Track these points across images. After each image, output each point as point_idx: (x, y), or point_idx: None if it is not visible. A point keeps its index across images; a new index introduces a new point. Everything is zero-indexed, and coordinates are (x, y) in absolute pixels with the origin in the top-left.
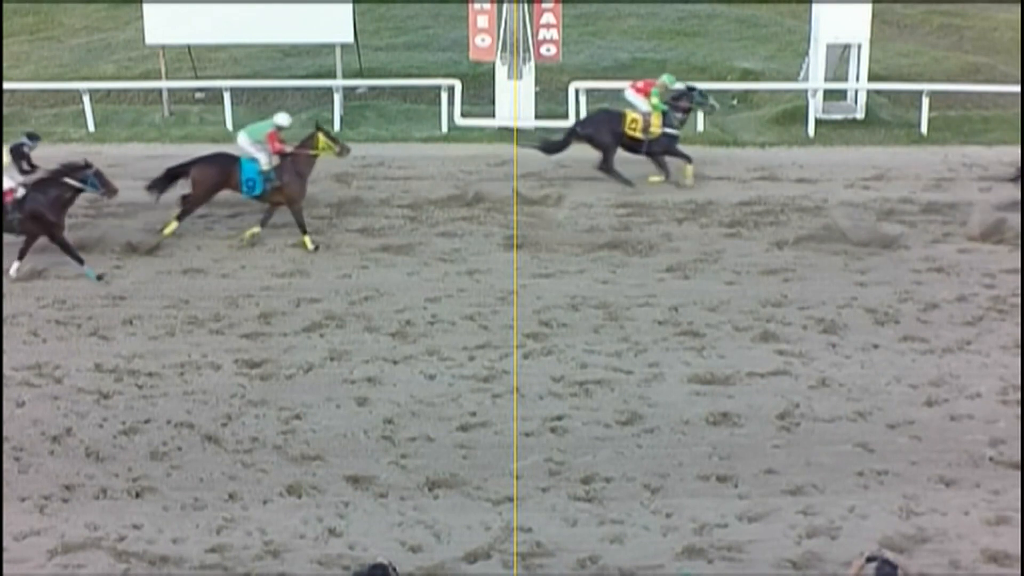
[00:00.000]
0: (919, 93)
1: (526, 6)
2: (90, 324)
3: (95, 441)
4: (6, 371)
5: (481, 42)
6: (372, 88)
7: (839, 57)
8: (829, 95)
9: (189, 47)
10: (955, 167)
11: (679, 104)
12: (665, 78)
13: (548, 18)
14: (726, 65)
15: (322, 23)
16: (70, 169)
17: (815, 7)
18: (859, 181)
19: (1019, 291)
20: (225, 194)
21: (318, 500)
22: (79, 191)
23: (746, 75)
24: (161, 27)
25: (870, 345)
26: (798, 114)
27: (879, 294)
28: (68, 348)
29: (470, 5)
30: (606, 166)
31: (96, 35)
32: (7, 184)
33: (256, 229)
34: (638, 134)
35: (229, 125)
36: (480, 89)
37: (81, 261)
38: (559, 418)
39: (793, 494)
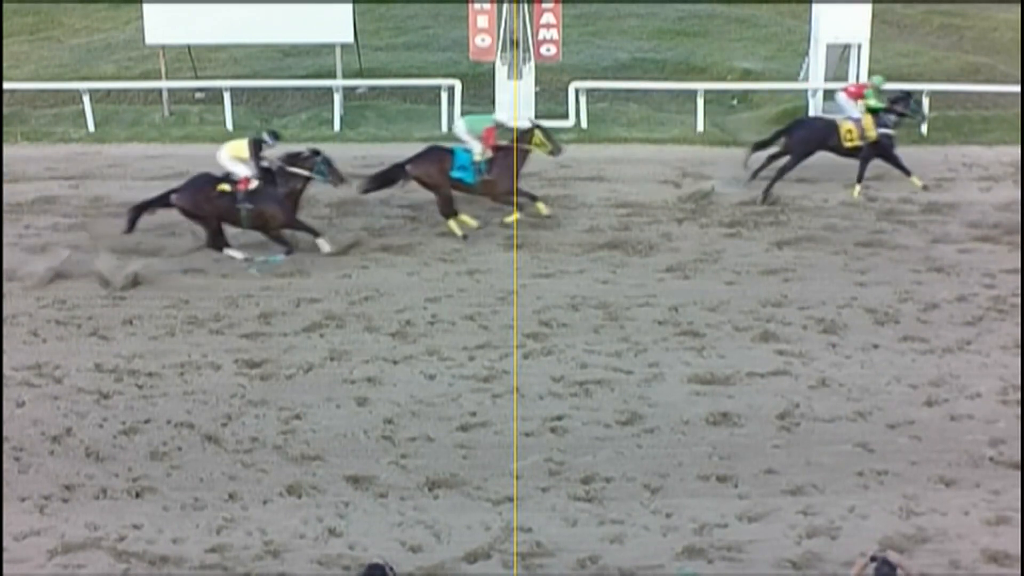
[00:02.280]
0: (919, 93)
1: (526, 6)
2: (90, 324)
3: (95, 441)
4: (6, 371)
5: (481, 42)
6: (372, 88)
7: (839, 57)
8: (829, 95)
9: (189, 47)
10: (955, 167)
11: (894, 108)
12: (876, 79)
13: (548, 18)
14: (726, 65)
15: (322, 23)
16: (299, 158)
17: (815, 7)
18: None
19: (1019, 291)
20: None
21: (318, 500)
22: (309, 180)
23: (746, 75)
24: (161, 27)
25: (870, 345)
26: (798, 114)
27: (879, 294)
28: (68, 348)
29: (470, 5)
30: (785, 169)
31: (96, 35)
32: (243, 172)
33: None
34: (856, 142)
35: (229, 125)
36: (480, 89)
37: (316, 233)
38: (559, 418)
39: (793, 494)
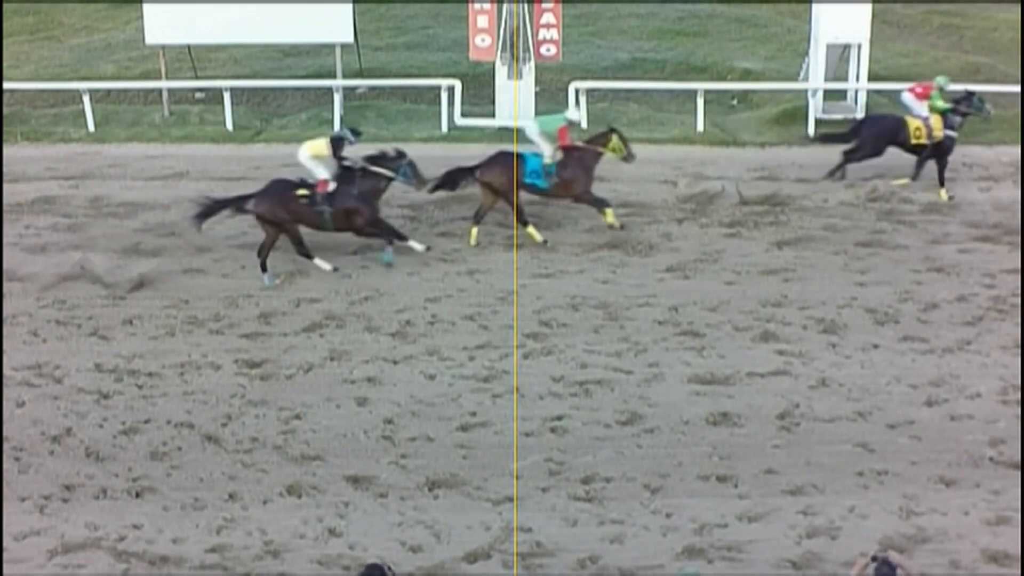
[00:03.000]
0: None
1: (526, 6)
2: (90, 324)
3: (95, 441)
4: (6, 371)
5: (481, 42)
6: (372, 88)
7: (839, 57)
8: (829, 95)
9: (189, 47)
10: (955, 167)
11: (959, 108)
12: (940, 79)
13: (548, 18)
14: (726, 65)
15: (322, 23)
16: (383, 159)
17: (815, 7)
18: (859, 181)
19: (1019, 291)
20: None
21: (318, 500)
22: (391, 180)
23: (746, 75)
24: (161, 27)
25: (870, 345)
26: (798, 114)
27: (879, 294)
28: (68, 348)
29: (470, 5)
30: (853, 159)
31: (96, 35)
32: (321, 175)
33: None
34: (923, 140)
35: (229, 125)
36: (480, 89)
37: (403, 237)
38: (559, 418)
39: (793, 494)
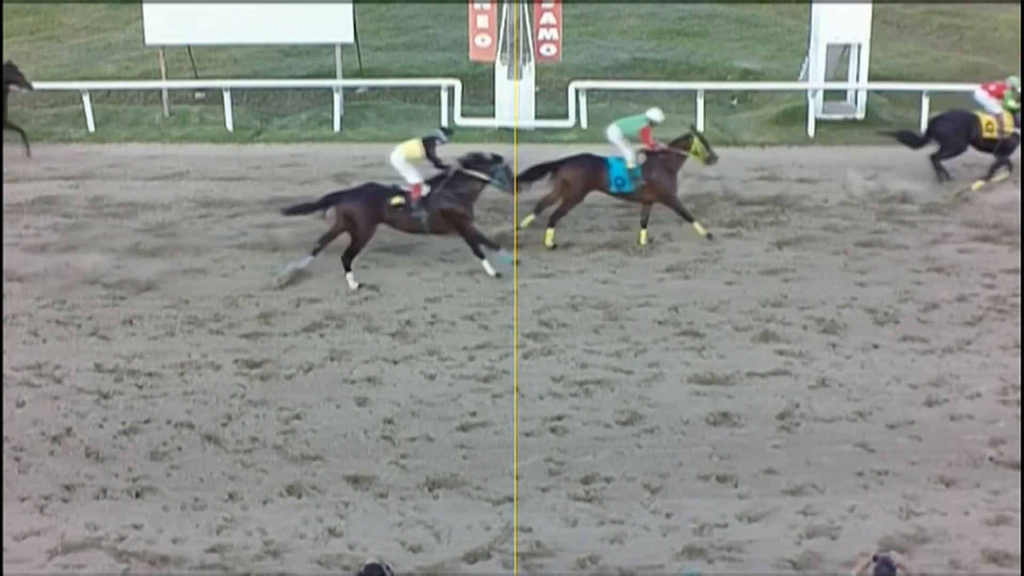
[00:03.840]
0: (919, 93)
1: (526, 6)
2: (90, 324)
3: (95, 441)
4: (6, 371)
5: (481, 42)
6: (372, 88)
7: (839, 57)
8: (829, 95)
9: (189, 47)
10: (955, 167)
11: None
12: (1013, 80)
13: (548, 18)
14: (726, 65)
15: (322, 23)
16: (479, 162)
17: (815, 7)
18: (859, 181)
19: (1019, 291)
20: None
21: (318, 500)
22: (486, 184)
23: (746, 75)
24: (161, 27)
25: (870, 345)
26: (798, 114)
27: (879, 294)
28: (68, 348)
29: (470, 5)
30: (938, 158)
31: (96, 35)
32: (414, 179)
33: (643, 232)
34: (994, 135)
35: (229, 125)
36: (480, 89)
37: (496, 247)
38: (559, 418)
39: (793, 494)
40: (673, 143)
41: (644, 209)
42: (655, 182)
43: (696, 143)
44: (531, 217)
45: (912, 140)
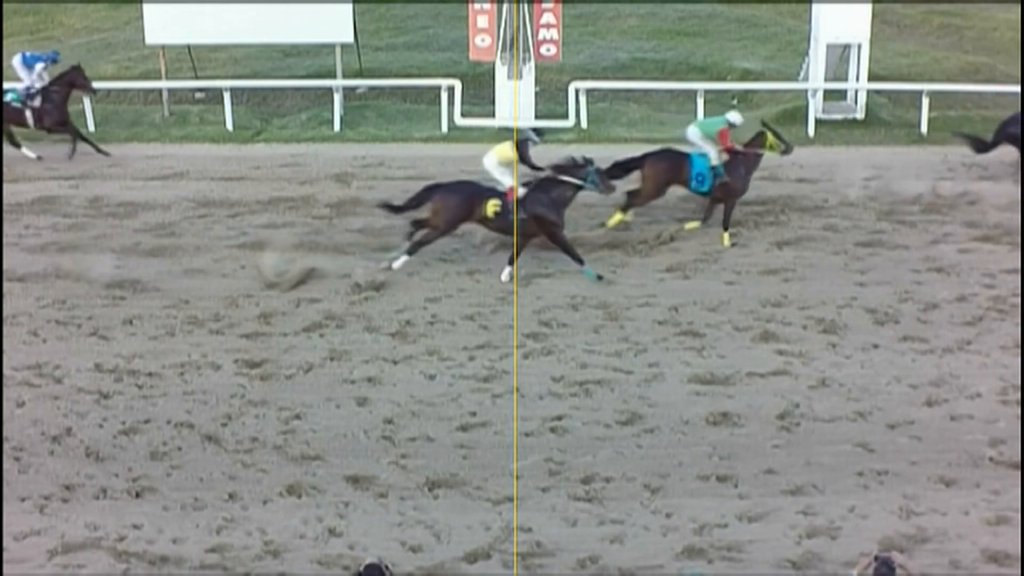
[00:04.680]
0: (919, 93)
1: (526, 6)
2: (90, 324)
3: (95, 441)
4: (6, 371)
5: (481, 42)
6: (372, 88)
7: (839, 57)
8: (829, 95)
9: (189, 47)
10: (955, 167)
11: None
12: None
13: (548, 18)
14: (726, 65)
15: (322, 23)
16: (571, 167)
17: (815, 7)
18: (860, 181)
19: (1019, 291)
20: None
21: (318, 500)
22: (580, 189)
23: (746, 75)
24: (161, 27)
25: (870, 345)
26: (798, 114)
27: (879, 294)
28: (68, 348)
29: (470, 5)
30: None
31: (96, 35)
32: (508, 182)
33: (695, 224)
34: None
35: (229, 125)
36: (480, 89)
37: (581, 261)
38: (559, 418)
39: (793, 494)
40: (749, 143)
41: (710, 208)
42: (733, 183)
43: (770, 138)
44: (618, 216)
45: (981, 144)
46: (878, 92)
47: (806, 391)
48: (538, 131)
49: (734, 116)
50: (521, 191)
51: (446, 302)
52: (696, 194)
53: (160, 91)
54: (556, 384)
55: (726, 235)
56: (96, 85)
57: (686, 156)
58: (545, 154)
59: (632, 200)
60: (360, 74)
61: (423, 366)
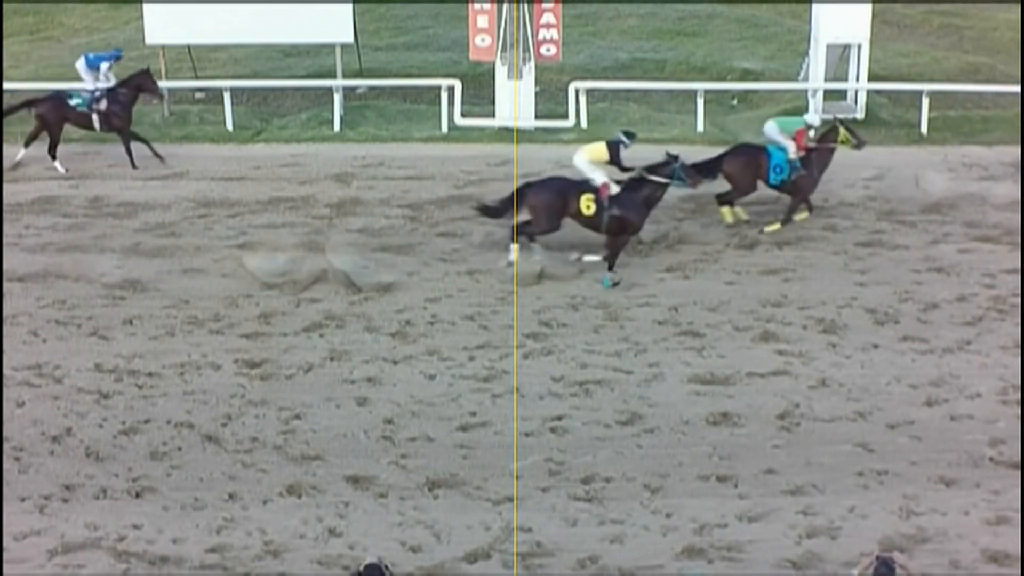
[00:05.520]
0: (919, 93)
1: (526, 6)
2: (90, 324)
3: (95, 441)
4: (6, 371)
5: (481, 42)
6: (372, 88)
7: (839, 57)
8: (829, 95)
9: (189, 47)
10: (955, 167)
11: None
12: None
13: (548, 18)
14: (726, 65)
15: (322, 23)
16: (658, 166)
17: (815, 7)
18: (859, 181)
19: (1019, 291)
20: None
21: (318, 500)
22: (667, 187)
23: (746, 75)
24: (161, 27)
25: (870, 345)
26: (798, 114)
27: (879, 294)
28: (68, 348)
29: (470, 5)
30: None
31: (96, 35)
32: (601, 179)
33: (775, 225)
34: None
35: (229, 125)
36: (480, 89)
37: (611, 268)
38: (559, 418)
39: (793, 494)
40: (821, 138)
41: (796, 201)
42: (806, 178)
43: (843, 132)
44: (731, 215)
45: None
46: (878, 92)
47: (806, 391)
48: (629, 134)
49: (812, 118)
50: (615, 188)
51: (446, 302)
52: (772, 188)
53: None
54: (556, 384)
55: (777, 226)
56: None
57: (762, 149)
58: (545, 154)
59: (727, 198)
60: (360, 74)
61: (423, 366)
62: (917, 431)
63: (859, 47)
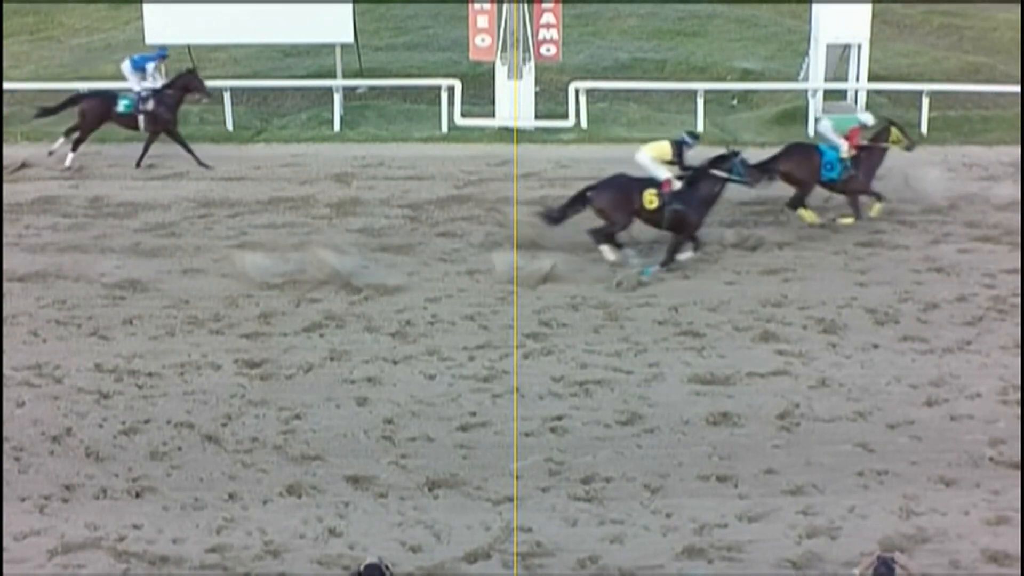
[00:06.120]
0: (919, 93)
1: (526, 6)
2: (90, 324)
3: (95, 441)
4: (6, 371)
5: (481, 42)
6: (372, 88)
7: (839, 57)
8: (829, 95)
9: (189, 47)
10: (955, 167)
11: None
12: None
13: (548, 18)
14: (726, 65)
15: (322, 23)
16: (718, 160)
17: (815, 7)
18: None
19: (1019, 291)
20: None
21: (318, 500)
22: (725, 184)
23: (746, 75)
24: (161, 27)
25: (870, 345)
26: (798, 114)
27: (879, 294)
28: (68, 348)
29: (470, 5)
30: None
31: (96, 35)
32: (663, 175)
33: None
34: None
35: (229, 125)
36: (480, 89)
37: (668, 262)
38: (559, 418)
39: (793, 494)
40: (874, 138)
41: (852, 200)
42: (857, 176)
43: (895, 133)
44: (803, 212)
45: None
46: (878, 92)
47: (806, 391)
48: (693, 135)
49: (866, 117)
50: (677, 184)
51: (446, 302)
52: (823, 185)
53: None
54: (556, 384)
55: (851, 219)
56: (96, 85)
57: (815, 147)
58: (545, 154)
59: (797, 201)
60: (360, 74)
61: (423, 366)
62: (917, 431)
63: (859, 47)
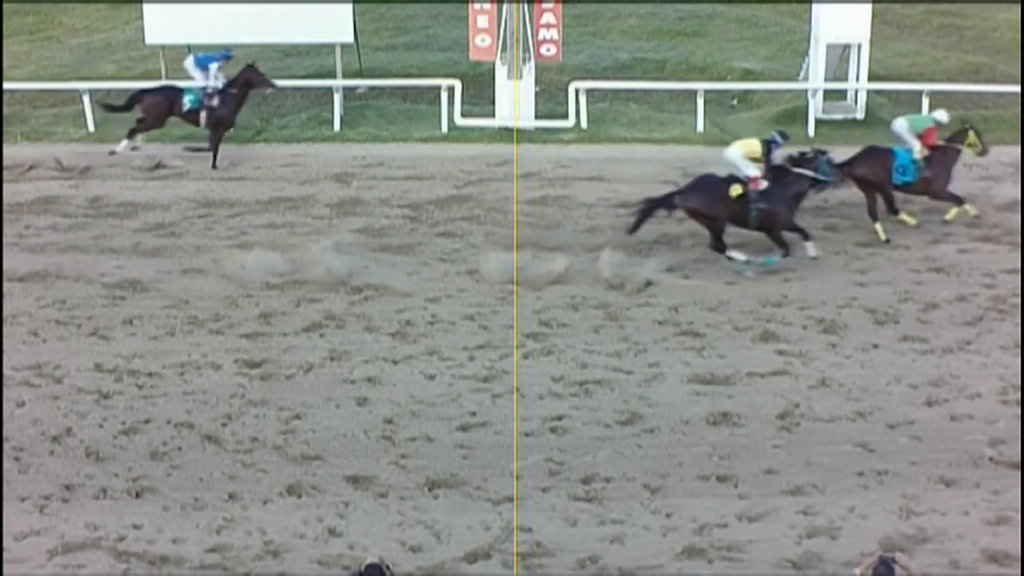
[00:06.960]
0: (919, 93)
1: (526, 6)
2: (90, 324)
3: (95, 441)
4: (6, 371)
5: (481, 42)
6: (372, 88)
7: (839, 57)
8: (829, 95)
9: (189, 47)
10: (956, 168)
11: None
12: None
13: (548, 18)
14: (726, 65)
15: (322, 23)
16: (804, 159)
17: (815, 7)
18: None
19: (1019, 291)
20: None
21: (318, 500)
22: (811, 183)
23: (746, 75)
24: (161, 27)
25: (870, 345)
26: (798, 114)
27: (879, 294)
28: (68, 348)
29: (470, 5)
30: None
31: (96, 35)
32: (753, 172)
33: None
34: None
35: None
36: (480, 89)
37: (784, 254)
38: (559, 418)
39: (793, 494)
40: (950, 138)
41: (940, 198)
42: (933, 177)
43: (971, 136)
44: (877, 226)
45: None
46: (878, 92)
47: (806, 391)
48: (783, 134)
49: (941, 115)
50: (764, 183)
51: (446, 302)
52: (897, 189)
53: None
54: (556, 384)
55: (954, 212)
56: (96, 85)
57: (889, 151)
58: (545, 154)
59: (875, 207)
60: (360, 74)
61: (423, 366)
62: (917, 431)
63: (859, 47)
